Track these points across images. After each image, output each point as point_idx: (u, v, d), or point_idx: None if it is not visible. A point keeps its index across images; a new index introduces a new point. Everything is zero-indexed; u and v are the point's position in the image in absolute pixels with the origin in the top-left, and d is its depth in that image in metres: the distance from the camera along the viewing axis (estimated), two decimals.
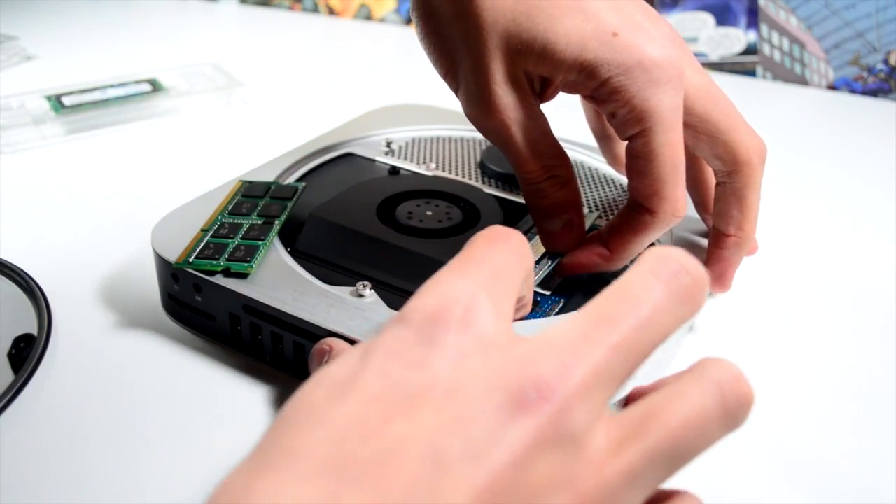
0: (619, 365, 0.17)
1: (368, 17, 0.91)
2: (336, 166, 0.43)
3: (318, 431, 0.16)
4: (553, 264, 0.32)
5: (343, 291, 0.31)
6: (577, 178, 0.42)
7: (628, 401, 0.23)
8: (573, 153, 0.45)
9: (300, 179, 0.41)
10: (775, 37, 0.71)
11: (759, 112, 0.57)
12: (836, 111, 0.67)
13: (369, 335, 0.29)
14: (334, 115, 0.52)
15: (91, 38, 0.81)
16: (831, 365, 0.34)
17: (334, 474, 0.15)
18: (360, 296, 0.31)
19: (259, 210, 0.36)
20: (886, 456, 0.29)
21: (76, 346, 0.34)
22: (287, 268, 0.32)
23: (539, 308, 0.32)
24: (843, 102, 0.68)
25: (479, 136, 0.46)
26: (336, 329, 0.29)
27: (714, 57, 0.74)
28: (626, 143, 0.29)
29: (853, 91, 0.70)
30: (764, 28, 0.72)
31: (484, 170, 0.42)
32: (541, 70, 0.28)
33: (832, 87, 0.71)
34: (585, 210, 0.39)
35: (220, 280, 0.31)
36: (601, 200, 0.40)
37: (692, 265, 0.19)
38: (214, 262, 0.32)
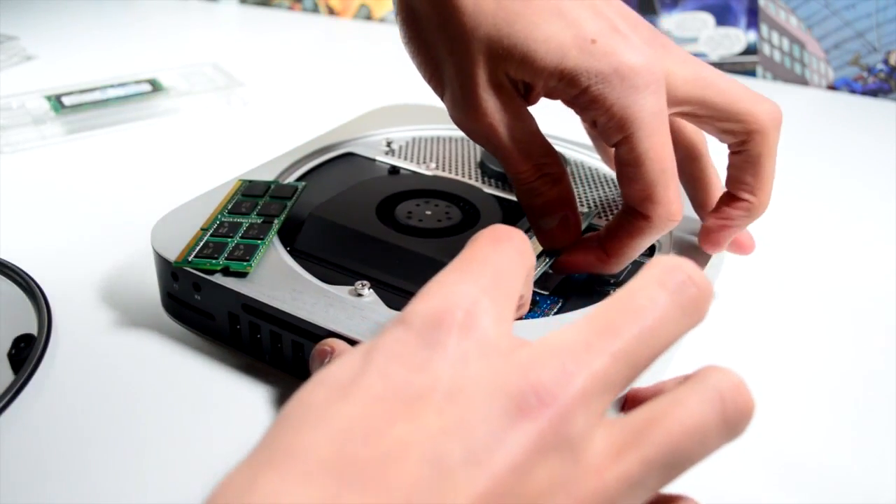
0: (619, 373, 0.18)
1: (368, 17, 0.91)
2: (336, 166, 0.43)
3: (319, 431, 0.16)
4: (550, 262, 0.32)
5: (342, 291, 0.31)
6: (573, 176, 0.42)
7: (626, 401, 0.23)
8: (572, 153, 0.45)
9: (300, 179, 0.41)
10: (775, 37, 0.71)
11: None
12: (836, 111, 0.67)
13: (368, 334, 0.29)
14: (334, 115, 0.52)
15: (91, 38, 0.81)
16: (830, 365, 0.34)
17: (335, 475, 0.15)
18: (359, 295, 0.31)
19: (259, 209, 0.36)
20: (885, 458, 0.29)
21: (76, 346, 0.34)
22: (286, 267, 0.32)
23: (537, 307, 0.32)
24: (843, 102, 0.68)
25: None
26: (335, 328, 0.29)
27: (714, 57, 0.74)
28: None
29: (853, 91, 0.70)
30: (764, 28, 0.72)
31: (484, 169, 0.42)
32: (522, 76, 0.28)
33: (832, 87, 0.71)
34: (584, 209, 0.39)
35: (219, 279, 0.31)
36: (600, 200, 0.40)
37: (698, 276, 0.19)
38: (214, 262, 0.32)
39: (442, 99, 0.31)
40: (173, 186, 0.47)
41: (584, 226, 0.35)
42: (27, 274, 0.37)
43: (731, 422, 0.18)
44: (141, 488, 0.27)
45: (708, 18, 0.74)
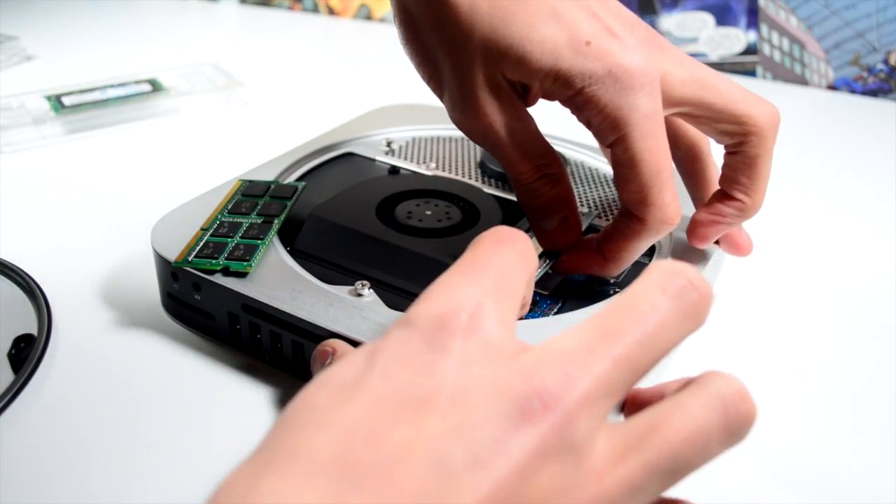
0: (621, 378, 0.18)
1: (368, 17, 0.91)
2: (336, 166, 0.43)
3: (322, 432, 0.16)
4: (550, 263, 0.32)
5: (342, 291, 0.31)
6: (573, 176, 0.42)
7: (626, 403, 0.23)
8: (572, 153, 0.45)
9: (300, 179, 0.41)
10: (775, 37, 0.71)
11: None
12: (836, 111, 0.67)
13: (368, 334, 0.29)
14: (334, 115, 0.52)
15: (91, 38, 0.81)
16: (829, 366, 0.34)
17: (339, 476, 0.15)
18: (359, 295, 0.31)
19: (259, 209, 0.36)
20: (885, 458, 0.29)
21: (76, 346, 0.34)
22: (286, 267, 0.32)
23: (537, 308, 0.32)
24: (843, 102, 0.68)
25: None
26: (334, 328, 0.29)
27: (714, 57, 0.74)
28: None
29: (853, 91, 0.70)
30: (764, 28, 0.72)
31: (484, 169, 0.42)
32: (518, 77, 0.28)
33: (832, 87, 0.71)
34: (584, 209, 0.39)
35: (219, 279, 0.31)
36: (601, 200, 0.40)
37: (699, 281, 0.19)
38: (213, 261, 0.32)
39: (441, 100, 0.31)
40: (173, 186, 0.47)
41: (584, 226, 0.35)
42: (27, 274, 0.37)
43: (733, 428, 0.18)
44: (141, 488, 0.27)
45: (708, 18, 0.74)
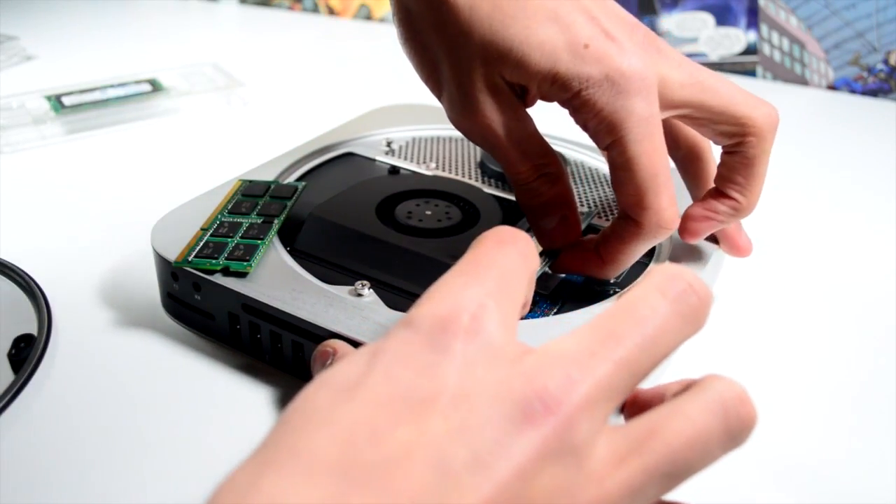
0: (622, 381, 0.18)
1: (368, 17, 0.91)
2: (336, 166, 0.43)
3: (324, 432, 0.16)
4: (549, 262, 0.32)
5: (342, 291, 0.31)
6: (572, 176, 0.42)
7: (626, 404, 0.23)
8: (572, 153, 0.45)
9: (300, 179, 0.41)
10: (775, 37, 0.71)
11: None
12: (836, 111, 0.67)
13: (368, 334, 0.29)
14: (334, 115, 0.52)
15: (91, 38, 0.81)
16: (829, 367, 0.34)
17: (341, 476, 0.15)
18: (359, 295, 0.31)
19: (259, 209, 0.36)
20: (885, 459, 0.29)
21: (76, 346, 0.34)
22: (286, 267, 0.32)
23: (537, 308, 0.32)
24: (843, 102, 0.68)
25: None
26: (334, 328, 0.29)
27: (714, 57, 0.75)
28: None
29: (853, 91, 0.70)
30: (764, 28, 0.72)
31: (484, 169, 0.42)
32: (516, 78, 0.28)
33: (832, 87, 0.71)
34: (584, 209, 0.39)
35: (219, 279, 0.31)
36: (601, 200, 0.40)
37: (699, 285, 0.19)
38: (213, 261, 0.32)
39: (439, 99, 0.31)
40: (173, 186, 0.47)
41: (583, 226, 0.35)
42: (27, 274, 0.37)
43: (733, 432, 0.18)
44: (141, 488, 0.27)
45: (708, 18, 0.74)
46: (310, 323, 0.29)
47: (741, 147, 0.30)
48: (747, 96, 0.30)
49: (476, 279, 0.19)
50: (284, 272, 0.32)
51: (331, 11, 0.92)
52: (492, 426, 0.16)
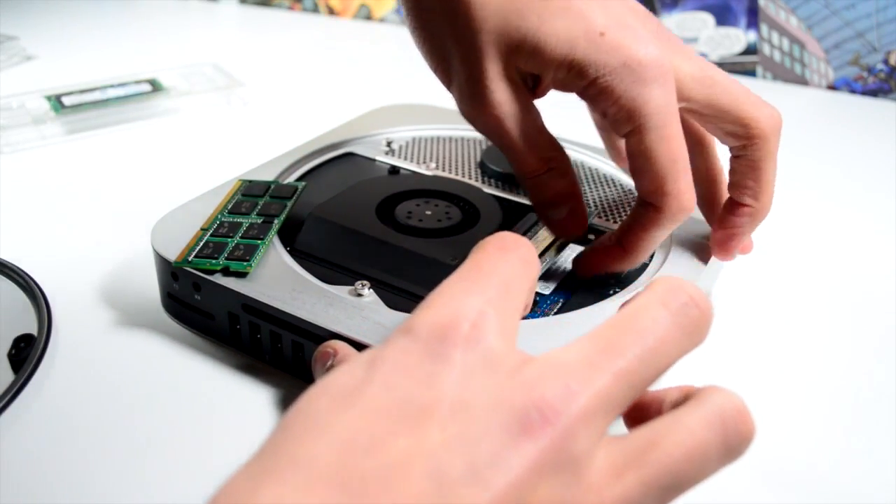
0: (621, 392, 0.18)
1: (368, 17, 0.91)
2: (336, 166, 0.43)
3: (322, 440, 0.16)
4: (551, 262, 0.32)
5: (342, 291, 0.31)
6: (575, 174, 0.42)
7: (626, 411, 0.23)
8: (573, 153, 0.45)
9: (300, 179, 0.41)
10: (775, 37, 0.71)
11: None
12: (836, 111, 0.67)
13: (368, 335, 0.29)
14: (334, 115, 0.52)
15: (91, 38, 0.81)
16: (829, 367, 0.34)
17: (338, 485, 0.15)
18: (359, 295, 0.31)
19: (259, 209, 0.36)
20: (884, 460, 0.29)
21: (76, 346, 0.34)
22: (286, 267, 0.32)
23: (538, 307, 0.32)
24: (843, 102, 0.68)
25: (479, 135, 0.46)
26: (334, 328, 0.29)
27: (714, 57, 0.74)
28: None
29: (853, 91, 0.70)
30: (764, 28, 0.72)
31: (484, 170, 0.42)
32: (531, 67, 0.28)
33: (832, 87, 0.71)
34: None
35: (219, 279, 0.31)
36: (601, 200, 0.40)
37: (701, 298, 0.19)
38: (213, 261, 0.32)
39: (449, 89, 0.31)
40: (173, 186, 0.47)
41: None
42: (27, 274, 0.37)
43: (731, 445, 0.18)
44: (141, 488, 0.27)
45: (708, 18, 0.74)
46: (310, 323, 0.29)
47: (746, 150, 0.31)
48: (752, 97, 0.30)
49: (477, 286, 0.19)
50: (284, 272, 0.32)
51: (331, 11, 0.92)
52: (489, 437, 0.16)
